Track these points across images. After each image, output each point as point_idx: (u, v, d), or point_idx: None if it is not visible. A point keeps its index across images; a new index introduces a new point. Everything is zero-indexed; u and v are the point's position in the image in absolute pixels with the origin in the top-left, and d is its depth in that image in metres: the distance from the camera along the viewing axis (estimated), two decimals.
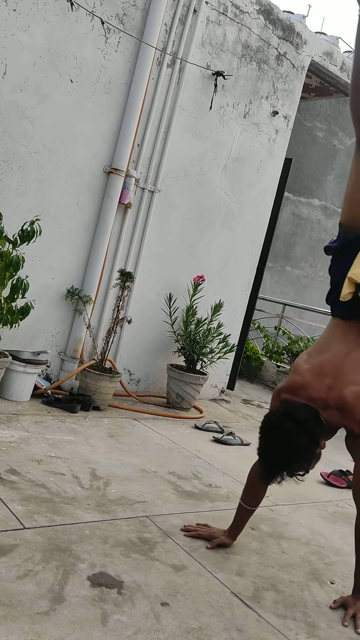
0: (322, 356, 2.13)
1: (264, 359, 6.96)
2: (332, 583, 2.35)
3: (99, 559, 2.06)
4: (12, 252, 3.40)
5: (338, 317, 2.17)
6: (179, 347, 4.60)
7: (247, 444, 4.01)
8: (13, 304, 3.49)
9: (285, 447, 2.00)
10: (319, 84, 5.62)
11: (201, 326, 4.59)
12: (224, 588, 2.09)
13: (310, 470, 2.06)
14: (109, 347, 4.08)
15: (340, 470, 3.70)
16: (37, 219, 3.45)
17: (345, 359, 2.09)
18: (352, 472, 3.76)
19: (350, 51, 6.71)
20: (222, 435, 3.98)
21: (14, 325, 3.53)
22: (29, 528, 2.15)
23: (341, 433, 2.25)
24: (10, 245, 3.41)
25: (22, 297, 3.50)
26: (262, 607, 2.03)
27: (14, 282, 3.47)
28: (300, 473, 2.04)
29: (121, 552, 2.15)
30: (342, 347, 2.11)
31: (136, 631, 1.72)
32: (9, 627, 1.60)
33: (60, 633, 1.63)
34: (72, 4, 3.65)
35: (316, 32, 5.30)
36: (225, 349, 4.68)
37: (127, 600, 1.87)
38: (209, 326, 4.61)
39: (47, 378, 4.14)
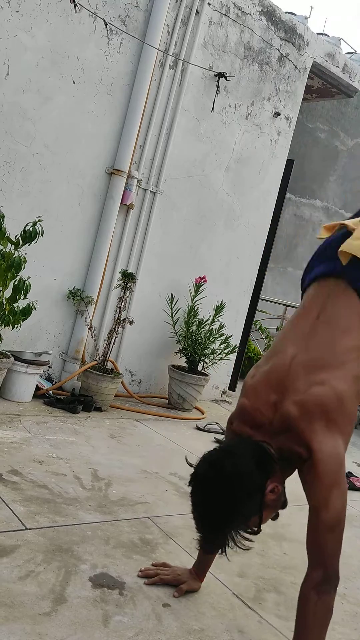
0: (270, 363, 1.69)
1: None
2: None
3: (101, 559, 2.06)
4: (14, 253, 3.41)
5: (313, 283, 1.78)
6: (181, 348, 4.60)
7: None
8: (15, 305, 3.50)
9: (213, 505, 1.53)
10: (321, 85, 5.62)
11: (203, 327, 4.59)
12: (225, 589, 2.09)
13: (262, 524, 1.58)
14: (110, 348, 4.08)
15: None
16: (39, 220, 3.45)
17: (297, 357, 1.62)
18: (353, 473, 3.77)
19: (352, 52, 6.71)
20: (223, 436, 3.98)
21: (15, 325, 3.53)
22: (30, 529, 2.15)
23: None
24: (13, 246, 3.42)
25: (24, 297, 3.50)
26: (264, 609, 2.03)
27: (16, 282, 3.47)
28: (250, 531, 1.56)
29: (123, 553, 2.15)
30: (298, 339, 1.66)
31: (138, 632, 1.72)
32: (11, 627, 1.60)
33: (62, 634, 1.63)
34: (75, 5, 3.65)
35: (318, 34, 5.30)
36: (226, 350, 4.68)
37: (128, 601, 1.87)
38: (211, 327, 4.61)
39: (49, 379, 4.15)
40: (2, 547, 1.98)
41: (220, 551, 1.59)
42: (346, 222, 1.83)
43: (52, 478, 2.65)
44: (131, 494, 2.70)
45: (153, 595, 1.94)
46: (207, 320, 4.63)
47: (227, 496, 1.51)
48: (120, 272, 4.15)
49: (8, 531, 2.09)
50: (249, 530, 1.55)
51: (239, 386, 5.85)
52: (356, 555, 2.68)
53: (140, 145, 4.23)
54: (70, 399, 3.85)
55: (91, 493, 2.60)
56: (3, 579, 1.81)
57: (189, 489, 1.62)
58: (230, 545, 1.54)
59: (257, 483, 1.54)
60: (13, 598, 1.73)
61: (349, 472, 3.70)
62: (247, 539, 1.55)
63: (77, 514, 2.36)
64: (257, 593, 2.13)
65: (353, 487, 3.60)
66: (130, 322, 4.15)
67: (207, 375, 4.62)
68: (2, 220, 3.40)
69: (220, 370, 4.99)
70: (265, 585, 2.20)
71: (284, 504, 1.68)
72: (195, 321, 4.60)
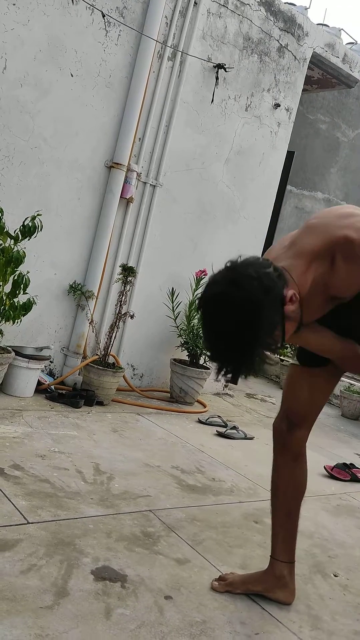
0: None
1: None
2: (335, 576, 2.35)
3: (103, 553, 2.07)
4: (13, 248, 3.40)
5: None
6: (182, 342, 4.60)
7: (251, 438, 4.01)
8: (15, 300, 3.49)
9: (236, 315, 1.36)
10: (321, 75, 5.58)
11: None
12: None
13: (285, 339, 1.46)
14: (111, 342, 4.08)
15: (344, 464, 3.70)
16: (38, 214, 3.44)
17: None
18: (355, 465, 3.77)
19: (352, 43, 6.66)
20: (225, 429, 3.98)
21: (16, 321, 3.53)
22: (32, 523, 2.15)
23: (345, 425, 2.24)
24: (12, 240, 3.41)
25: (24, 292, 3.50)
26: (266, 600, 2.03)
27: (16, 277, 3.47)
28: (273, 347, 1.42)
29: (125, 546, 2.15)
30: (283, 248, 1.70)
31: (140, 625, 1.73)
32: (13, 621, 1.61)
33: (64, 627, 1.63)
34: None
35: (318, 24, 5.26)
36: None
37: (130, 594, 1.87)
38: None
39: (51, 373, 4.15)
40: (4, 541, 1.98)
41: (245, 376, 1.46)
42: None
43: (54, 472, 2.65)
44: (133, 488, 2.70)
45: (155, 587, 1.94)
46: None
47: (251, 301, 1.36)
48: (120, 266, 4.14)
49: (10, 525, 2.10)
50: (273, 346, 1.41)
51: (241, 379, 5.84)
52: (358, 546, 2.68)
53: (140, 138, 4.21)
54: (72, 394, 3.85)
55: (93, 487, 2.60)
56: (5, 573, 1.81)
57: (201, 311, 1.47)
58: (258, 363, 1.40)
59: (277, 284, 1.42)
60: (15, 592, 1.73)
61: (351, 464, 3.71)
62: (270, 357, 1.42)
63: (79, 508, 2.36)
64: None
65: (356, 479, 3.60)
66: (131, 316, 4.14)
67: (208, 369, 4.61)
68: (1, 215, 3.39)
69: None
70: None
71: (300, 324, 1.54)
72: (196, 315, 4.59)
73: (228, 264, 1.48)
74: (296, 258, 1.58)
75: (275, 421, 2.05)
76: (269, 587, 2.01)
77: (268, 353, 1.41)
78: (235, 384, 1.54)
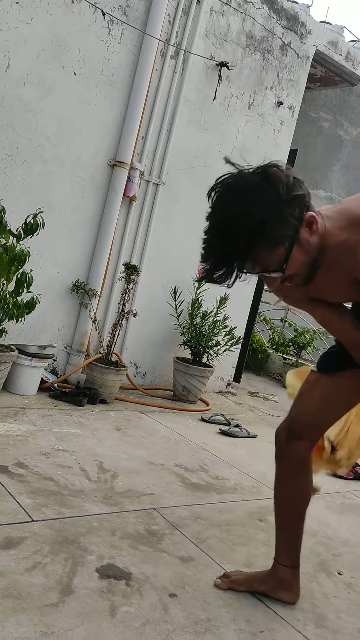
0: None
1: (270, 351, 6.95)
2: (339, 574, 2.35)
3: (107, 551, 2.07)
4: (16, 246, 3.40)
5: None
6: (185, 340, 4.60)
7: (254, 436, 4.01)
8: (18, 298, 3.50)
9: (247, 199, 1.25)
10: (323, 73, 5.57)
11: (207, 319, 4.59)
12: None
13: (287, 270, 1.32)
14: (114, 341, 4.08)
15: None
16: (40, 212, 3.44)
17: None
18: (359, 463, 3.76)
19: (355, 40, 6.65)
20: (228, 427, 3.99)
21: (19, 319, 3.53)
22: (37, 521, 2.16)
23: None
24: (15, 239, 3.42)
25: (28, 291, 3.50)
26: (270, 598, 2.03)
27: (19, 276, 3.47)
28: (271, 269, 1.31)
29: (129, 544, 2.15)
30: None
31: (145, 622, 1.73)
32: (18, 618, 1.61)
33: (69, 625, 1.64)
34: None
35: (321, 22, 5.25)
36: (231, 342, 4.67)
37: (135, 591, 1.87)
38: (215, 319, 4.61)
39: (54, 372, 4.15)
40: (9, 539, 1.99)
41: (230, 280, 1.31)
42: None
43: (58, 470, 2.66)
44: (137, 486, 2.70)
45: (159, 585, 1.94)
46: (211, 312, 4.63)
47: (267, 193, 1.22)
48: (123, 265, 4.15)
49: (15, 523, 2.10)
50: (271, 263, 1.29)
51: (244, 378, 5.84)
52: None
53: (142, 137, 4.20)
54: (75, 392, 3.86)
55: (97, 485, 2.61)
56: (10, 571, 1.81)
57: (211, 197, 1.34)
58: (240, 269, 1.27)
59: (301, 198, 1.27)
60: (20, 589, 1.74)
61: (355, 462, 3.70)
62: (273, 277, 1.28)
63: (83, 506, 2.37)
64: None
65: (359, 477, 3.60)
66: (134, 315, 4.15)
67: (211, 367, 4.62)
68: (4, 213, 3.39)
69: (225, 362, 4.99)
70: None
71: (309, 276, 1.39)
72: (199, 313, 4.59)
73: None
74: (338, 213, 1.45)
75: (277, 428, 1.98)
76: (272, 588, 2.00)
77: (265, 269, 1.27)
78: (219, 283, 1.29)
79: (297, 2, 5.15)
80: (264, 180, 1.25)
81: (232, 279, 1.33)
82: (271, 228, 1.24)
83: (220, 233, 1.30)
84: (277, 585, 2.00)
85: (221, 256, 1.32)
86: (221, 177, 1.34)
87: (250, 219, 1.24)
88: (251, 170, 1.31)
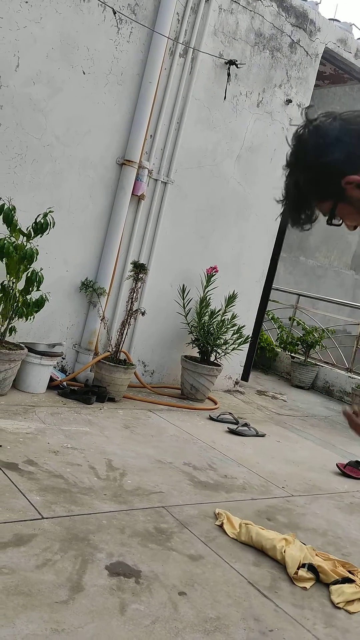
0: None
1: (278, 350, 6.93)
2: (350, 573, 2.34)
3: (117, 548, 2.08)
4: (26, 245, 3.42)
5: None
6: (193, 339, 4.60)
7: (262, 435, 4.00)
8: (28, 297, 3.51)
9: (305, 150, 1.29)
10: (333, 71, 5.55)
11: (215, 317, 4.58)
12: (241, 578, 2.10)
13: (338, 222, 1.35)
14: (123, 339, 4.09)
15: (357, 462, 3.69)
16: (50, 211, 3.45)
17: None
18: None
19: None
20: (237, 426, 3.99)
21: (29, 317, 3.55)
22: (47, 518, 2.17)
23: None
24: (24, 237, 3.43)
25: (37, 289, 3.52)
26: (280, 597, 2.03)
27: (29, 274, 3.49)
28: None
29: (138, 542, 2.16)
30: None
31: (154, 620, 1.74)
32: (29, 615, 1.62)
33: (79, 622, 1.64)
34: None
35: (330, 19, 5.23)
36: (239, 340, 4.67)
37: (144, 589, 1.88)
38: (223, 317, 4.60)
39: (63, 370, 4.17)
40: (19, 536, 2.00)
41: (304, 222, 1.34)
42: None
43: (67, 468, 2.67)
44: (146, 484, 2.71)
45: (169, 583, 1.95)
46: (219, 311, 4.62)
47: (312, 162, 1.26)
48: (131, 263, 4.16)
49: (25, 520, 2.11)
50: (310, 213, 1.32)
51: (252, 376, 5.84)
52: None
53: (151, 135, 4.21)
54: (84, 390, 3.87)
55: (106, 483, 2.62)
56: (21, 568, 1.83)
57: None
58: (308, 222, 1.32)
59: (337, 161, 1.24)
60: (31, 586, 1.75)
61: (356, 462, 3.69)
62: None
63: (92, 504, 2.38)
64: (273, 582, 2.13)
65: None
66: (143, 313, 4.15)
67: (219, 366, 4.61)
68: (14, 212, 3.41)
69: (233, 361, 4.99)
70: (280, 574, 2.20)
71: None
72: (207, 311, 4.59)
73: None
74: None
75: None
76: None
77: (309, 219, 1.32)
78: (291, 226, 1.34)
79: (306, 0, 5.13)
80: (314, 141, 1.30)
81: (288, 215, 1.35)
82: (308, 189, 1.31)
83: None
84: None
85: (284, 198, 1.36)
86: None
87: (289, 178, 1.33)
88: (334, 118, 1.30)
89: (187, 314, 4.59)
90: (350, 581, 2.19)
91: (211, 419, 4.14)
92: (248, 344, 5.06)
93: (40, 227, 3.44)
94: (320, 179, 1.27)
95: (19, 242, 3.41)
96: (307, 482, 3.28)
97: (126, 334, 4.13)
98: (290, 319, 7.26)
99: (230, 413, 4.22)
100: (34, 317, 3.59)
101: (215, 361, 4.66)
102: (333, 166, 1.25)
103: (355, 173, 1.24)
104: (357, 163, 1.24)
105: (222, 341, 4.59)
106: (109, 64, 3.90)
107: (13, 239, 3.41)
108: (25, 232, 3.42)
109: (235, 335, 4.66)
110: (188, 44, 4.25)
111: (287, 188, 1.33)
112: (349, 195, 1.26)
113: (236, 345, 4.66)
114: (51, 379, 3.84)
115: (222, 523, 2.46)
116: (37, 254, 3.46)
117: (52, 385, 3.85)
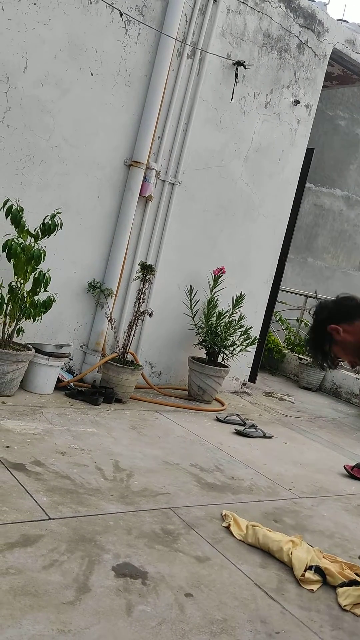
0: None
1: (286, 351, 6.91)
2: (357, 575, 2.33)
3: (123, 549, 2.08)
4: (34, 246, 3.43)
5: None
6: (200, 340, 4.60)
7: (270, 437, 3.99)
8: (35, 298, 3.52)
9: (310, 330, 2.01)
10: (341, 72, 5.53)
11: (222, 319, 4.58)
12: (247, 580, 2.09)
13: (337, 360, 1.97)
14: (130, 340, 4.10)
15: None
16: (57, 212, 3.47)
17: None
18: None
19: None
20: (244, 427, 3.98)
21: (36, 318, 3.56)
22: (54, 519, 2.17)
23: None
24: (32, 238, 3.44)
25: (45, 290, 3.53)
26: (286, 600, 2.02)
27: (36, 275, 3.50)
28: (332, 359, 1.95)
29: (145, 543, 2.16)
30: None
31: (161, 622, 1.73)
32: (36, 616, 1.62)
33: (86, 623, 1.65)
34: None
35: (338, 20, 5.21)
36: (246, 342, 4.66)
37: (151, 590, 1.88)
38: (230, 319, 4.60)
39: (70, 371, 4.18)
40: (26, 537, 2.00)
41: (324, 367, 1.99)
42: None
43: (74, 469, 2.67)
44: (152, 485, 2.71)
45: (175, 585, 1.95)
46: (226, 312, 4.62)
47: (313, 323, 1.98)
48: (139, 264, 4.16)
49: (32, 521, 2.12)
50: (329, 358, 1.93)
51: (259, 378, 5.83)
52: None
53: (159, 137, 4.21)
54: (91, 391, 3.88)
55: (113, 484, 2.62)
56: (28, 568, 1.83)
57: None
58: (324, 361, 1.94)
59: (330, 316, 1.91)
60: (38, 587, 1.75)
61: (358, 464, 3.66)
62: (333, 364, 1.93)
63: (99, 504, 2.38)
64: (280, 584, 2.13)
65: None
66: (150, 314, 4.15)
67: (227, 367, 4.61)
68: (22, 213, 3.42)
69: (240, 362, 4.98)
70: (287, 576, 2.20)
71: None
72: (214, 313, 4.59)
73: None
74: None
75: None
76: None
77: (325, 361, 1.94)
78: (321, 369, 2.21)
79: (314, 1, 5.12)
80: (318, 311, 2.00)
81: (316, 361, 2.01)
82: (316, 342, 1.97)
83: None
84: None
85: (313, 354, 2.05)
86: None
87: (310, 337, 2.05)
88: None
89: (195, 315, 4.59)
90: (358, 584, 2.18)
91: (218, 420, 4.13)
92: (255, 346, 5.05)
93: (48, 228, 3.45)
94: (316, 328, 1.95)
95: (27, 243, 3.42)
96: (315, 484, 3.26)
97: (133, 335, 4.13)
98: (298, 320, 7.24)
99: (237, 414, 4.21)
100: (41, 318, 3.60)
101: (222, 362, 4.66)
102: (322, 320, 1.92)
103: (337, 324, 1.87)
104: (336, 318, 1.89)
105: (230, 342, 4.58)
106: (117, 65, 3.91)
107: (21, 240, 3.42)
108: (33, 233, 3.44)
109: (242, 337, 4.66)
110: (196, 45, 4.25)
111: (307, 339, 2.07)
112: (335, 339, 1.88)
113: (244, 347, 4.66)
114: (58, 380, 3.85)
115: (229, 525, 2.46)
116: (45, 254, 3.47)
117: (60, 386, 3.86)
